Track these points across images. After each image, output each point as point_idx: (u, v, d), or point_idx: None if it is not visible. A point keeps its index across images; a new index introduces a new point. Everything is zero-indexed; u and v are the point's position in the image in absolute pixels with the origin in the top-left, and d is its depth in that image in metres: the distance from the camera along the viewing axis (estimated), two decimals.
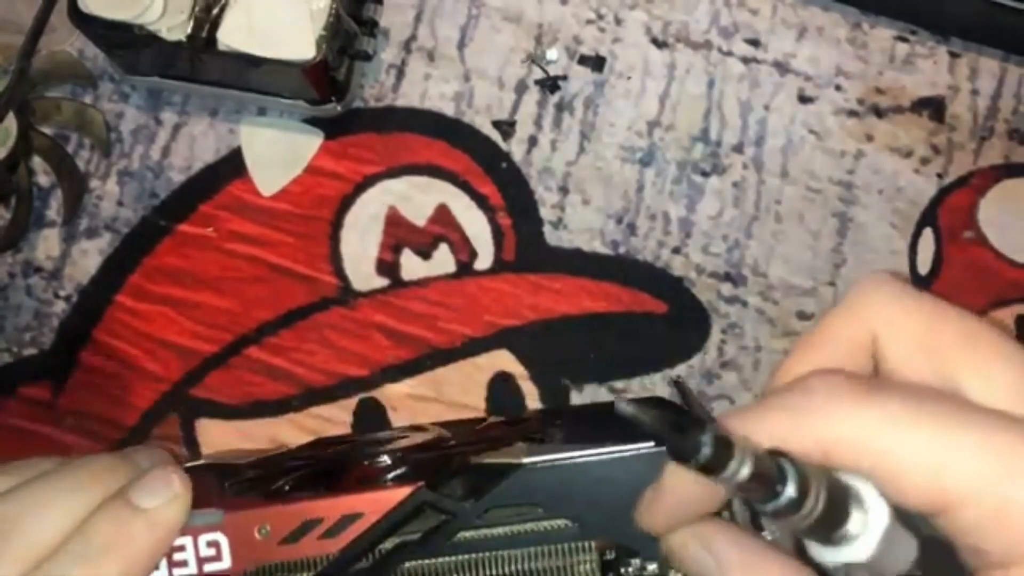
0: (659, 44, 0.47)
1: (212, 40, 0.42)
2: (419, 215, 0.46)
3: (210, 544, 0.32)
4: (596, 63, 0.47)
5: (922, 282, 0.45)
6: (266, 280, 0.46)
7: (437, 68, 0.47)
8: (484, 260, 0.46)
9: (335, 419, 0.45)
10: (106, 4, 0.41)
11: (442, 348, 0.45)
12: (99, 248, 0.47)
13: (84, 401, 0.45)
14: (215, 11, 0.42)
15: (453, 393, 0.45)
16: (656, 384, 0.45)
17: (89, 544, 0.29)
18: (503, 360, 0.45)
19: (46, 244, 0.47)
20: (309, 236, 0.46)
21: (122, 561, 0.29)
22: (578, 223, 0.46)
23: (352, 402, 0.45)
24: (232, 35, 0.42)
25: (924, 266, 0.45)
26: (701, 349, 0.45)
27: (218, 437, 0.45)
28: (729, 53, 0.47)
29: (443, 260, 0.46)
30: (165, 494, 0.31)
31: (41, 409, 0.45)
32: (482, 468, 0.32)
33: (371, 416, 0.45)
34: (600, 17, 0.47)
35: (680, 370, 0.45)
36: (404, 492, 0.31)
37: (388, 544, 0.32)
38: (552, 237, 0.46)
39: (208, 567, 0.32)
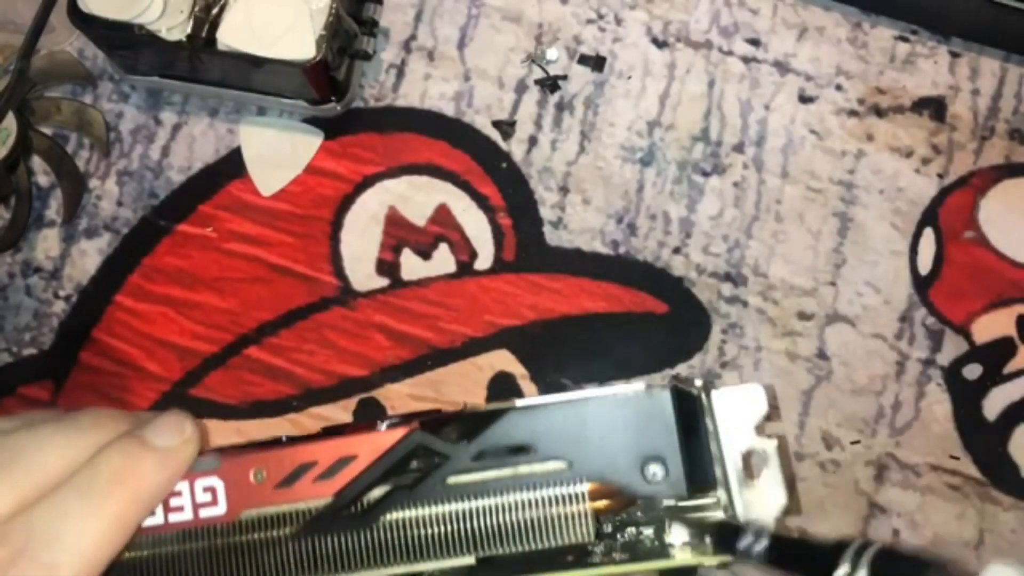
0: (659, 44, 0.47)
1: (212, 40, 0.42)
2: (419, 215, 0.46)
3: (206, 489, 0.32)
4: (596, 63, 0.47)
5: (923, 282, 0.45)
6: (266, 280, 0.46)
7: (437, 68, 0.47)
8: (484, 260, 0.46)
9: (335, 419, 0.45)
10: (106, 4, 0.41)
11: (442, 348, 0.45)
12: (98, 248, 0.46)
13: (84, 401, 0.45)
14: (215, 11, 0.42)
15: (453, 393, 0.45)
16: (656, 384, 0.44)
17: (97, 476, 0.29)
18: (503, 360, 0.45)
19: (45, 244, 0.47)
20: (309, 236, 0.46)
21: (129, 495, 0.29)
22: (578, 223, 0.46)
23: (352, 402, 0.45)
24: (232, 35, 0.42)
25: (925, 266, 0.45)
26: (701, 349, 0.45)
27: (218, 437, 0.45)
28: (729, 53, 0.47)
29: (443, 260, 0.46)
30: (177, 436, 0.31)
31: (41, 409, 0.45)
32: (475, 414, 0.32)
33: (371, 416, 0.45)
34: (600, 17, 0.47)
35: (680, 370, 0.45)
36: (399, 434, 0.32)
37: (380, 491, 0.32)
38: (552, 237, 0.46)
39: (204, 512, 0.32)
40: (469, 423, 0.32)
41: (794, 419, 0.44)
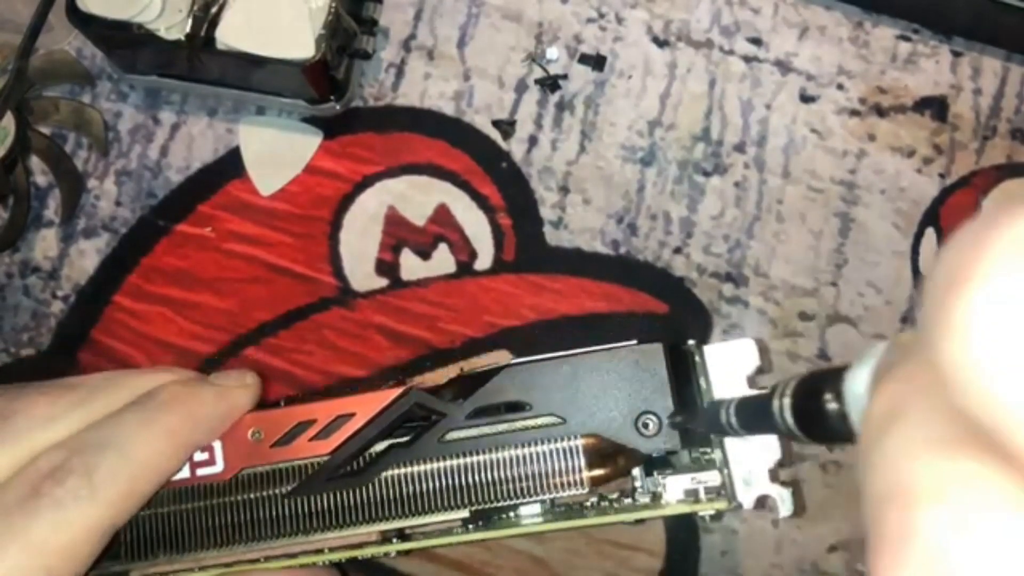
0: (660, 43, 0.47)
1: (210, 39, 0.42)
2: (419, 215, 0.46)
3: (204, 448, 0.32)
4: (597, 62, 0.47)
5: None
6: (265, 280, 0.46)
7: (437, 67, 0.47)
8: (484, 260, 0.45)
9: None
10: (104, 3, 0.41)
11: (442, 349, 0.45)
12: (97, 248, 0.46)
13: None
14: (213, 9, 0.42)
15: None
16: None
17: (154, 396, 0.31)
18: (503, 360, 0.45)
19: (44, 244, 0.47)
20: (308, 236, 0.46)
21: (183, 414, 0.31)
22: (578, 223, 0.46)
23: None
24: (231, 34, 0.41)
25: (927, 267, 0.45)
26: None
27: None
28: (731, 52, 0.46)
29: (443, 260, 0.46)
30: (237, 380, 0.33)
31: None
32: (471, 376, 0.33)
33: None
34: (601, 16, 0.47)
35: None
36: (396, 392, 0.32)
37: (377, 449, 0.32)
38: (552, 237, 0.46)
39: (201, 471, 0.32)
40: (465, 384, 0.32)
41: None
